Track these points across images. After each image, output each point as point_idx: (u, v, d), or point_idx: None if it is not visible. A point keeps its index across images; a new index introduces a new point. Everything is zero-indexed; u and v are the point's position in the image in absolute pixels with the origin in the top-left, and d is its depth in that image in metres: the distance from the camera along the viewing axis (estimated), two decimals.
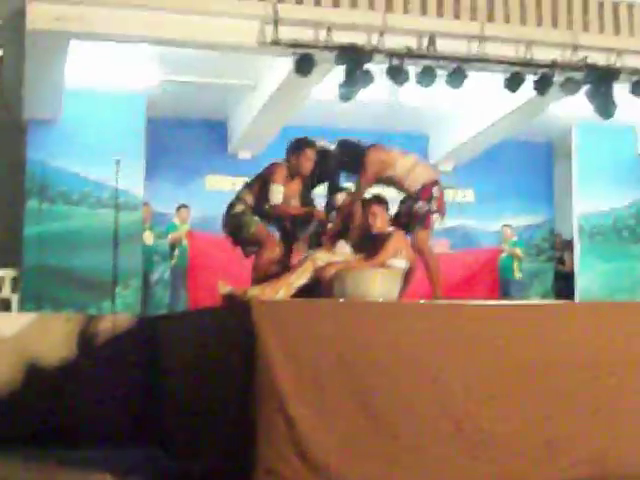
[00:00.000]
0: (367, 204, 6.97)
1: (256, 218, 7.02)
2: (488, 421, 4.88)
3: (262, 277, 6.96)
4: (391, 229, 6.86)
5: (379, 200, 6.98)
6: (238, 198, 7.15)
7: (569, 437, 5.00)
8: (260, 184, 7.09)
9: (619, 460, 5.09)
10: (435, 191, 7.24)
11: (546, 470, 4.92)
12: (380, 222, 6.85)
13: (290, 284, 6.27)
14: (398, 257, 6.66)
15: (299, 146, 7.16)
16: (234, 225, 7.09)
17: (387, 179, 7.35)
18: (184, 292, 12.52)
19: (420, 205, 7.14)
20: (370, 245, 6.77)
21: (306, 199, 7.33)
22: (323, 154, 7.31)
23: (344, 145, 7.40)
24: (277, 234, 7.27)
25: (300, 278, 6.28)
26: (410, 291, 6.92)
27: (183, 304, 12.26)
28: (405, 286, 6.98)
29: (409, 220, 7.16)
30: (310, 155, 7.10)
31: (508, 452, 4.87)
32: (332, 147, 7.40)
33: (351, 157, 7.29)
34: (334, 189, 7.44)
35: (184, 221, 12.98)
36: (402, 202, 7.36)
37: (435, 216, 7.23)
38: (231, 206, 7.17)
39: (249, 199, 7.08)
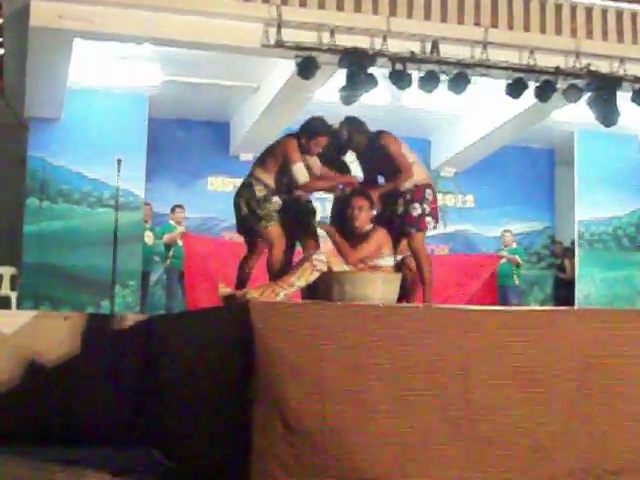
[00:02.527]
0: (354, 196, 6.81)
1: (275, 216, 6.93)
2: (485, 424, 4.88)
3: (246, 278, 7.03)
4: (370, 226, 6.73)
5: (366, 195, 6.82)
6: (255, 178, 6.92)
7: (559, 444, 4.99)
8: (276, 162, 6.88)
9: (610, 469, 5.09)
10: (428, 194, 7.15)
11: (536, 476, 4.92)
12: (364, 218, 6.72)
13: (290, 286, 6.24)
14: (384, 256, 6.59)
15: (313, 130, 7.03)
16: (253, 208, 6.88)
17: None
18: (179, 293, 12.51)
19: (414, 207, 7.04)
20: (352, 241, 6.70)
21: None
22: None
23: (355, 130, 7.20)
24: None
25: (300, 280, 6.25)
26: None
27: (178, 305, 12.25)
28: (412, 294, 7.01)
29: (404, 222, 7.05)
30: (322, 142, 6.98)
31: (502, 456, 4.87)
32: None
33: (370, 145, 7.09)
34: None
35: (179, 222, 12.96)
36: (391, 203, 7.18)
37: (428, 219, 7.12)
38: (248, 185, 6.95)
39: (267, 179, 6.94)
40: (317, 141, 6.91)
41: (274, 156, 6.95)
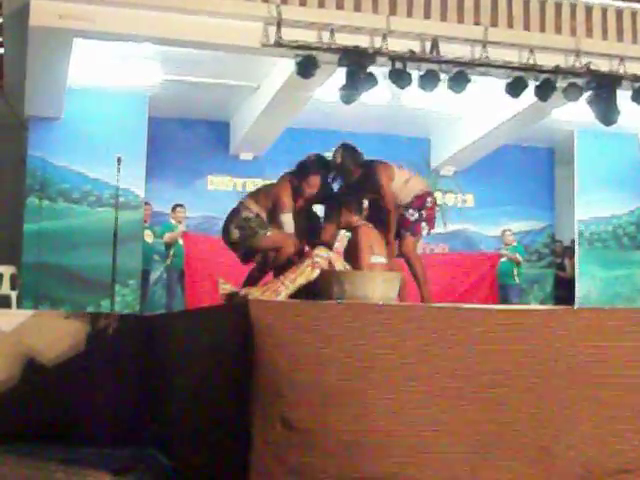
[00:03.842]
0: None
1: (264, 230, 6.96)
2: (486, 424, 4.88)
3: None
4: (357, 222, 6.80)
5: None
6: (244, 206, 7.04)
7: (560, 444, 4.99)
8: (268, 202, 7.00)
9: (610, 470, 5.08)
10: (428, 201, 7.26)
11: (541, 476, 4.91)
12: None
13: (291, 282, 6.24)
14: (375, 254, 6.62)
15: (304, 171, 7.08)
16: (242, 226, 6.98)
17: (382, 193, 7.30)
18: (180, 292, 12.54)
19: (411, 212, 7.14)
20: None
21: (309, 215, 7.29)
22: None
23: (349, 157, 7.27)
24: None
25: (301, 276, 6.26)
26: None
27: (179, 304, 12.27)
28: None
29: (399, 225, 7.15)
30: (313, 182, 7.03)
31: (504, 456, 4.86)
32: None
33: (363, 175, 7.24)
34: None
35: (179, 221, 12.99)
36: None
37: (423, 224, 7.24)
38: (237, 211, 7.06)
39: (256, 209, 6.99)
40: (308, 181, 6.99)
41: (267, 195, 7.05)
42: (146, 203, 13.35)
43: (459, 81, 11.23)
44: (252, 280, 7.18)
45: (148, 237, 13.17)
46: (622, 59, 11.78)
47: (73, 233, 12.95)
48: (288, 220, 6.87)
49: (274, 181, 7.33)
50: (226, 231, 7.07)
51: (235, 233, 7.01)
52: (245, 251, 7.12)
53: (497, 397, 4.95)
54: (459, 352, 4.95)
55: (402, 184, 7.20)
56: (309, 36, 10.84)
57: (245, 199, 7.16)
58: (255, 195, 7.16)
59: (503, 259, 14.03)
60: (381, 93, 11.95)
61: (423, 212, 7.17)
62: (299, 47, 10.71)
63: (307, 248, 7.25)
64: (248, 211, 6.96)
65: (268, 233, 6.91)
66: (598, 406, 5.11)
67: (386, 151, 9.65)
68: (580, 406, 5.08)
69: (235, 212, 7.07)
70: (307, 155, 7.26)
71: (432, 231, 7.40)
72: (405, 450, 4.74)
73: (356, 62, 10.83)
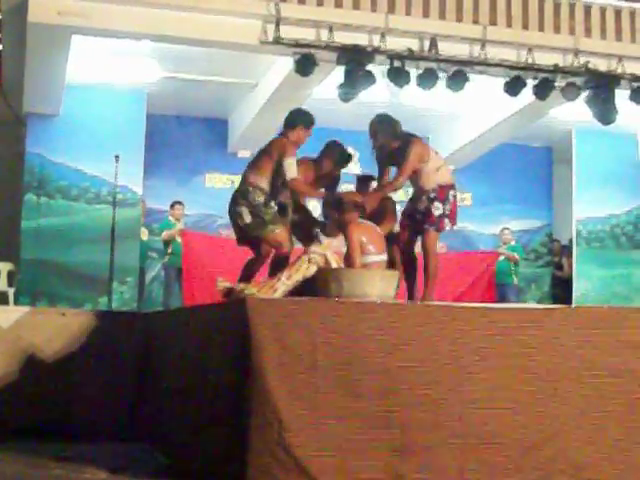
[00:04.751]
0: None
1: (280, 219, 6.90)
2: (480, 424, 4.88)
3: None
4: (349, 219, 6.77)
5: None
6: (251, 184, 6.90)
7: (553, 442, 4.99)
8: (271, 161, 6.90)
9: (602, 470, 5.08)
10: (450, 195, 7.24)
11: (529, 474, 4.92)
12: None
13: (287, 279, 6.24)
14: (371, 253, 6.59)
15: (293, 120, 7.07)
16: (256, 214, 6.92)
17: (414, 174, 7.30)
18: (177, 289, 12.53)
19: (437, 206, 7.12)
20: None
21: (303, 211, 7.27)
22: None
23: (384, 129, 7.30)
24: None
25: (297, 273, 6.25)
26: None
27: (176, 301, 12.26)
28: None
29: (424, 219, 7.14)
30: (301, 134, 7.04)
31: (496, 455, 4.87)
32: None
33: (398, 147, 7.23)
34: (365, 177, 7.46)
35: (178, 218, 12.99)
36: (414, 199, 7.29)
37: (446, 221, 7.23)
38: (245, 192, 6.93)
39: (262, 183, 6.92)
40: (296, 133, 6.96)
41: (269, 154, 6.94)
42: (141, 200, 13.34)
43: (457, 80, 11.22)
44: (248, 271, 7.16)
45: (143, 235, 13.17)
46: (620, 58, 11.78)
47: (71, 230, 12.94)
48: (291, 165, 6.80)
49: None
50: (237, 213, 6.95)
51: (247, 217, 6.90)
52: (247, 238, 7.08)
53: (493, 395, 4.95)
54: (455, 350, 4.95)
55: (434, 170, 7.19)
56: (308, 34, 10.83)
57: (248, 175, 7.01)
58: (255, 166, 7.00)
59: (501, 258, 14.02)
60: (379, 91, 11.93)
61: (447, 207, 7.16)
62: (298, 45, 10.70)
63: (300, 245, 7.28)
64: (257, 191, 6.86)
65: (277, 230, 6.87)
66: (593, 404, 5.12)
67: None
68: (575, 404, 5.08)
69: (243, 194, 6.91)
70: (290, 111, 7.25)
71: (453, 227, 7.38)
72: (402, 449, 4.75)
73: (354, 60, 10.82)
